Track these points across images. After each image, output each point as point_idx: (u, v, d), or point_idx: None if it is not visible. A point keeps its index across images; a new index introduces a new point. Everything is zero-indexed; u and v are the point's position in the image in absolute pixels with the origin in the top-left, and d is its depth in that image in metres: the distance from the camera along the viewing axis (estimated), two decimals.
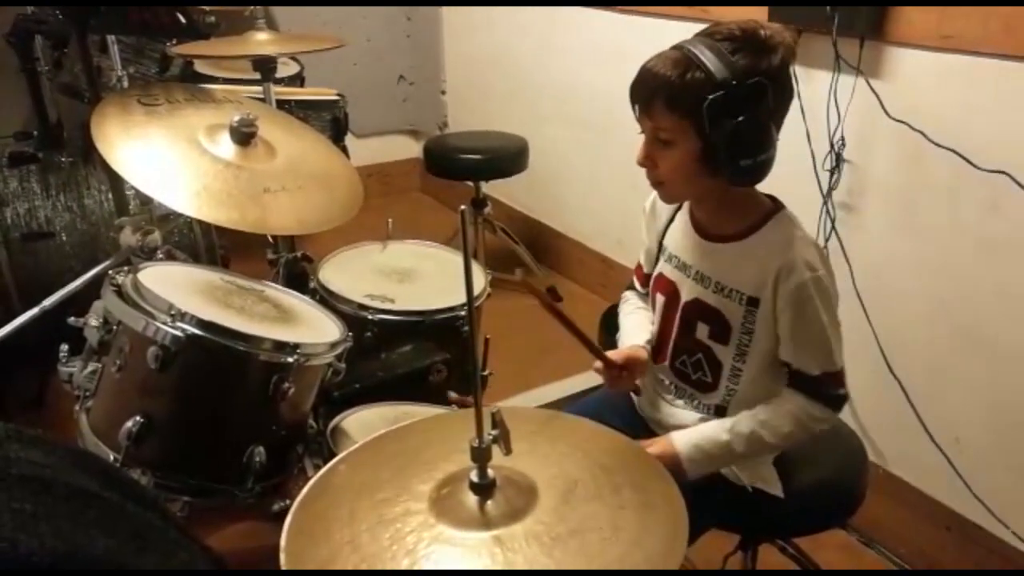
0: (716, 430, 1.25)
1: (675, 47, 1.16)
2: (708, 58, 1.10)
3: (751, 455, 1.27)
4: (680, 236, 1.33)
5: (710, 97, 1.09)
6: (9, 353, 1.47)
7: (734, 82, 1.09)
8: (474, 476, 0.85)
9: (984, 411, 1.73)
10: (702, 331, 1.29)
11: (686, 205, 1.33)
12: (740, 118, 1.10)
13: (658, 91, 1.14)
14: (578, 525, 0.82)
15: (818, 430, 1.25)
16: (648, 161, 1.21)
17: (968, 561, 1.80)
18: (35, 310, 1.49)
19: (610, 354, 1.32)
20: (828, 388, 1.23)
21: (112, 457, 1.27)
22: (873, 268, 1.88)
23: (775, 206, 1.26)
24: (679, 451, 1.24)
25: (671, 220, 1.36)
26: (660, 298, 1.36)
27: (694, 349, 1.31)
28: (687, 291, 1.31)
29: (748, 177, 1.17)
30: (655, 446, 1.25)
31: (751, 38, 1.12)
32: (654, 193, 1.39)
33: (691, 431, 1.27)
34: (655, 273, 1.39)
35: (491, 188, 3.18)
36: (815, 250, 1.23)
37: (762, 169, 1.15)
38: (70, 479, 0.47)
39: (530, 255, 3.23)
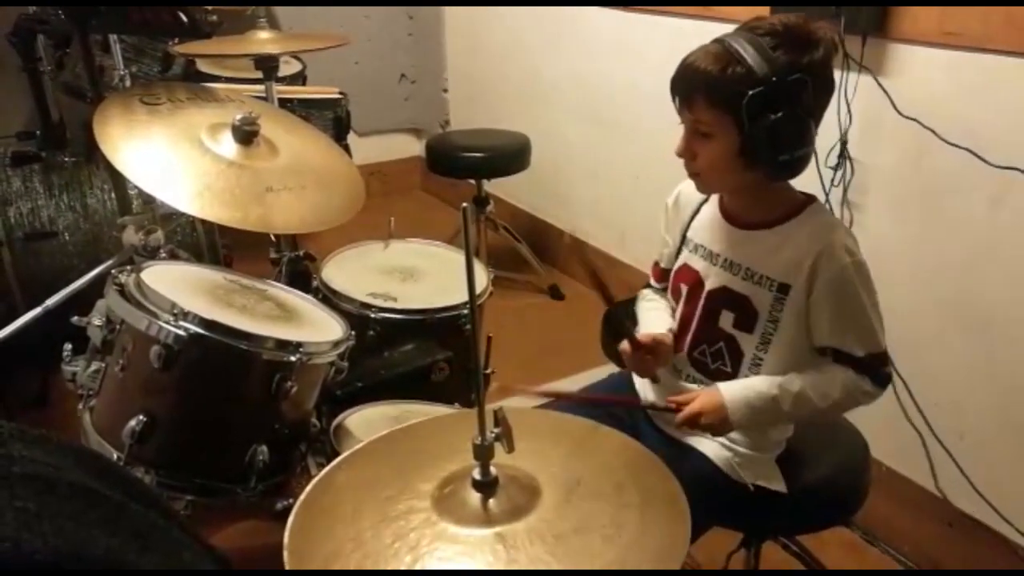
0: (765, 384, 1.24)
1: (716, 40, 1.16)
2: (749, 53, 1.10)
3: (795, 415, 1.26)
4: (707, 226, 1.34)
5: (750, 93, 1.10)
6: (13, 352, 1.48)
7: (774, 78, 1.10)
8: (477, 474, 0.85)
9: (989, 409, 1.72)
10: (726, 320, 1.29)
11: (714, 197, 1.34)
12: (779, 114, 1.10)
13: (699, 85, 1.15)
14: (580, 523, 0.82)
15: (865, 403, 1.25)
16: (687, 152, 1.21)
17: (971, 558, 1.80)
18: (38, 309, 1.49)
19: (639, 337, 1.31)
20: (874, 367, 1.23)
21: (115, 456, 1.27)
22: (878, 265, 1.86)
23: (808, 198, 1.27)
24: (726, 401, 1.23)
25: (696, 212, 1.36)
26: (683, 288, 1.36)
27: (716, 338, 1.31)
28: (713, 279, 1.31)
29: (786, 171, 1.18)
30: (701, 397, 1.24)
31: (793, 33, 1.13)
32: (677, 189, 1.39)
33: (738, 383, 1.26)
34: (677, 265, 1.38)
35: (493, 186, 3.17)
36: (852, 238, 1.24)
37: (800, 164, 1.16)
38: (73, 478, 0.47)
39: (532, 253, 3.23)
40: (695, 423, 1.23)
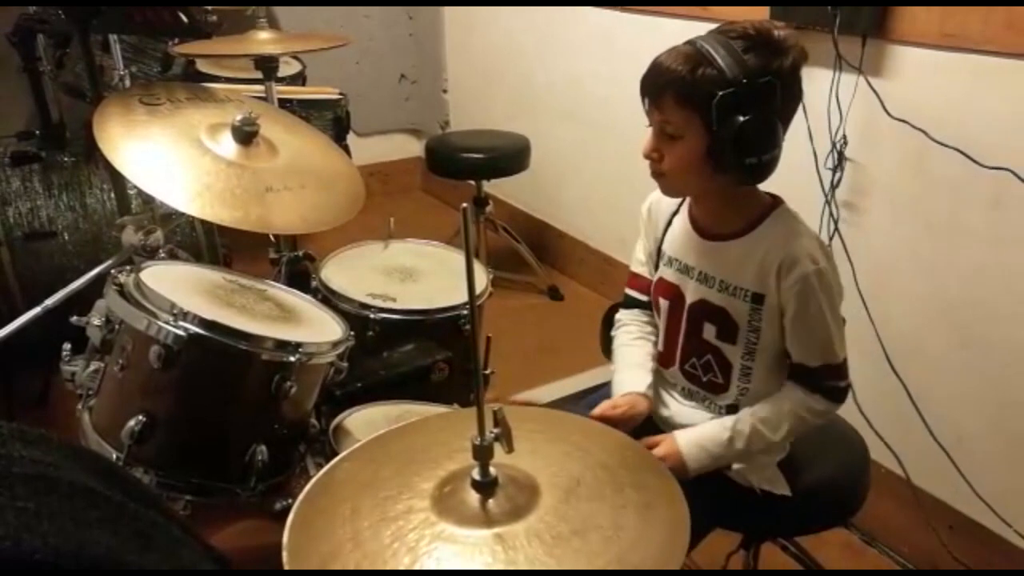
0: (718, 429, 1.26)
1: (687, 42, 1.16)
2: (720, 55, 1.10)
3: (753, 451, 1.27)
4: (680, 239, 1.33)
5: (720, 93, 1.10)
6: (12, 352, 1.48)
7: (744, 80, 1.09)
8: (476, 474, 0.85)
9: (987, 410, 1.73)
10: (709, 332, 1.29)
11: (684, 208, 1.33)
12: (748, 116, 1.10)
13: (669, 85, 1.15)
14: (580, 524, 0.82)
15: (818, 422, 1.26)
16: (654, 153, 1.21)
17: (970, 560, 1.80)
18: (37, 309, 1.49)
19: (610, 408, 1.29)
20: (828, 380, 1.24)
21: (115, 456, 1.27)
22: (876, 266, 1.88)
23: (775, 202, 1.26)
24: (682, 451, 1.25)
25: (668, 224, 1.35)
26: (664, 303, 1.36)
27: (702, 351, 1.31)
28: (691, 293, 1.31)
29: (752, 175, 1.17)
30: (660, 447, 1.26)
31: (764, 38, 1.13)
32: (650, 198, 1.39)
33: (693, 431, 1.28)
34: (655, 278, 1.38)
35: (493, 187, 3.17)
36: (817, 243, 1.23)
37: (767, 168, 1.16)
38: (73, 478, 0.47)
39: (532, 254, 3.23)
40: None
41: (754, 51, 1.11)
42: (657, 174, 1.23)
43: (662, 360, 1.39)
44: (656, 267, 1.38)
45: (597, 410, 1.29)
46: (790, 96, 1.16)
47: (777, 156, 1.15)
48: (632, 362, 1.39)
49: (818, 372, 1.23)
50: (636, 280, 1.45)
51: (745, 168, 1.14)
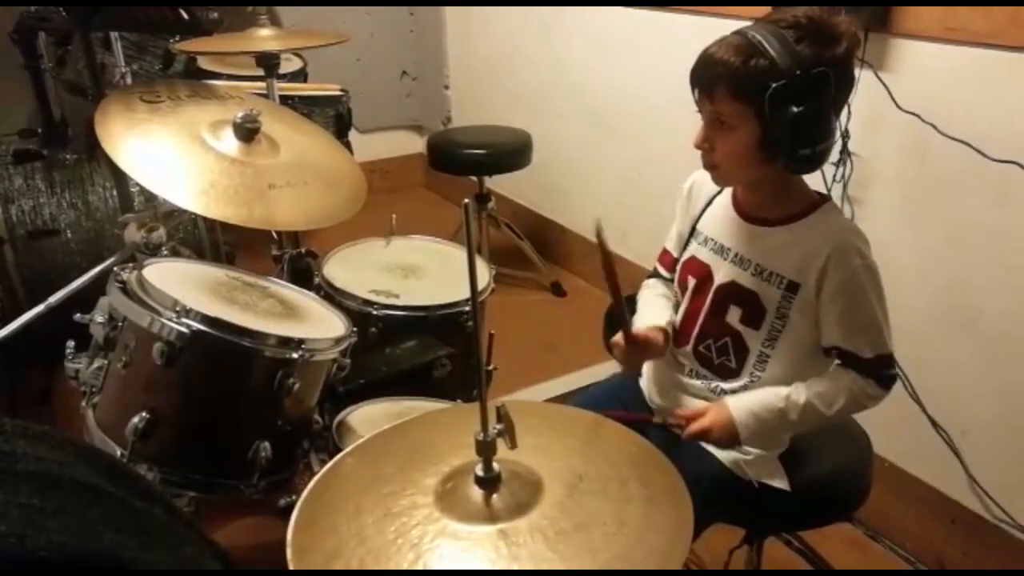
0: (771, 397, 1.26)
1: (738, 32, 1.16)
2: (773, 46, 1.10)
3: (803, 425, 1.27)
4: (719, 220, 1.33)
5: (774, 85, 1.10)
6: (16, 350, 1.48)
7: (798, 71, 1.10)
8: (479, 470, 0.85)
9: (991, 404, 1.72)
10: (733, 315, 1.30)
11: (728, 189, 1.33)
12: (802, 107, 1.11)
13: (721, 76, 1.15)
14: (583, 519, 0.82)
15: (870, 406, 1.26)
16: (706, 144, 1.21)
17: (973, 554, 1.80)
18: (41, 307, 1.50)
19: (634, 331, 1.31)
20: (880, 369, 1.24)
21: (119, 453, 1.27)
22: (880, 260, 1.86)
23: (822, 197, 1.27)
24: (734, 417, 1.24)
25: (708, 204, 1.36)
26: (691, 281, 1.36)
27: (721, 333, 1.31)
28: (722, 274, 1.31)
29: (806, 165, 1.18)
30: (708, 414, 1.26)
31: (817, 27, 1.13)
32: (692, 177, 1.39)
33: (745, 397, 1.28)
34: (685, 257, 1.38)
35: (495, 183, 3.17)
36: (864, 240, 1.24)
37: (821, 158, 1.17)
38: (77, 475, 0.47)
39: (534, 250, 3.23)
40: (703, 439, 1.24)
41: (807, 40, 1.11)
42: (710, 165, 1.24)
43: (676, 338, 1.40)
44: (686, 246, 1.38)
45: (617, 337, 1.29)
46: (843, 83, 1.17)
47: (831, 145, 1.16)
48: (650, 308, 1.42)
49: (871, 362, 1.24)
50: (665, 256, 1.47)
51: (799, 158, 1.15)
